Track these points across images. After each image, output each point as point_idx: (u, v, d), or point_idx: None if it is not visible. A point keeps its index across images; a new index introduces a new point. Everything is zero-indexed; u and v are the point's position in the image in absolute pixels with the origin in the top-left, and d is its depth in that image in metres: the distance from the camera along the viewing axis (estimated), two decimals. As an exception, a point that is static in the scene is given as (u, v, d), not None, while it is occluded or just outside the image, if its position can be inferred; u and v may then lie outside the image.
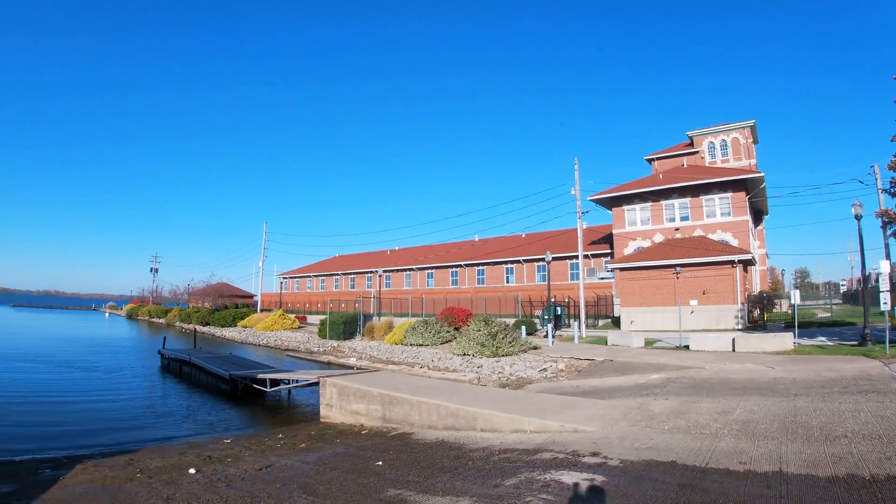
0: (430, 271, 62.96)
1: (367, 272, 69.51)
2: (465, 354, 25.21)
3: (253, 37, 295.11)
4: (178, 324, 66.87)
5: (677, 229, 39.86)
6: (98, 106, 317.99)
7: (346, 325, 38.24)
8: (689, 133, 48.82)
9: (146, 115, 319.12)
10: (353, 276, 72.99)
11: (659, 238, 40.24)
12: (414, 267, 63.96)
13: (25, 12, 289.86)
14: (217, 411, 17.22)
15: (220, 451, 10.96)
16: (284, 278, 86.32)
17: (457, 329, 30.67)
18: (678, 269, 32.49)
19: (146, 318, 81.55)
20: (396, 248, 75.12)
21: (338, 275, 75.54)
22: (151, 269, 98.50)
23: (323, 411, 14.95)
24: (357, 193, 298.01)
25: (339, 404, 14.47)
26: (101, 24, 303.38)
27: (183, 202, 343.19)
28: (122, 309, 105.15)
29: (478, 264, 58.37)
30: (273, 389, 18.14)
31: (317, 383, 15.77)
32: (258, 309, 63.98)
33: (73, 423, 14.64)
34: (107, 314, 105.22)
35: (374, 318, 41.09)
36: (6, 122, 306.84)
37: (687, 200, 40.08)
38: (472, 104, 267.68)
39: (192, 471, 9.07)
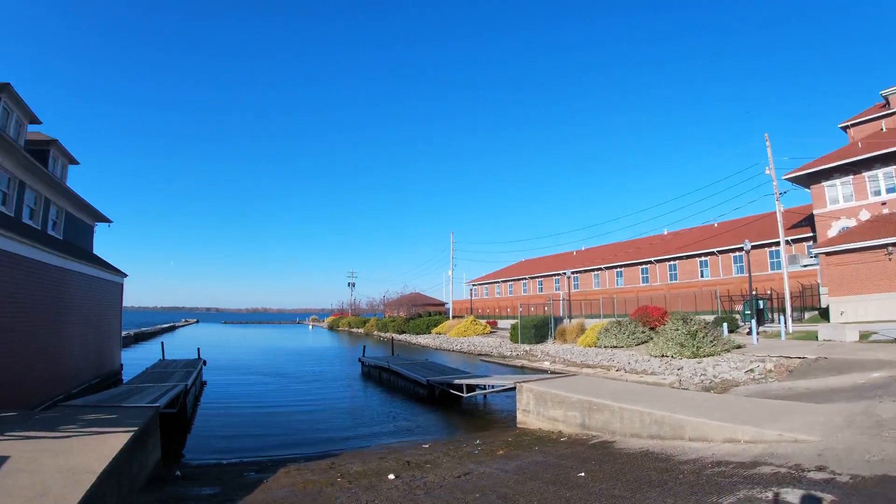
0: (618, 270, 59.92)
1: (554, 275, 68.43)
2: (662, 356, 24.00)
3: (449, 40, 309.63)
4: (375, 333, 71.96)
5: (884, 203, 33.41)
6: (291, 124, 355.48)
7: (537, 329, 37.72)
8: (883, 92, 40.94)
9: (336, 132, 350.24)
10: (540, 279, 72.39)
11: (864, 215, 34.05)
12: (602, 266, 61.43)
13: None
14: (415, 416, 17.55)
15: (419, 457, 10.89)
16: (473, 285, 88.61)
17: (652, 329, 29.17)
18: (890, 248, 27.37)
19: (346, 328, 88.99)
20: (582, 249, 72.98)
21: (525, 279, 75.51)
22: (349, 283, 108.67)
23: (519, 417, 14.58)
24: (541, 194, 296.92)
25: (535, 410, 13.98)
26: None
27: (376, 216, 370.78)
28: (323, 321, 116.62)
29: (669, 259, 54.26)
30: (469, 395, 18.09)
31: (512, 388, 15.43)
32: (450, 316, 66.33)
33: (279, 429, 15.68)
34: (310, 326, 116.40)
35: (564, 320, 39.99)
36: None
37: (891, 169, 33.38)
38: (648, 96, 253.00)
39: (391, 476, 9.00)
